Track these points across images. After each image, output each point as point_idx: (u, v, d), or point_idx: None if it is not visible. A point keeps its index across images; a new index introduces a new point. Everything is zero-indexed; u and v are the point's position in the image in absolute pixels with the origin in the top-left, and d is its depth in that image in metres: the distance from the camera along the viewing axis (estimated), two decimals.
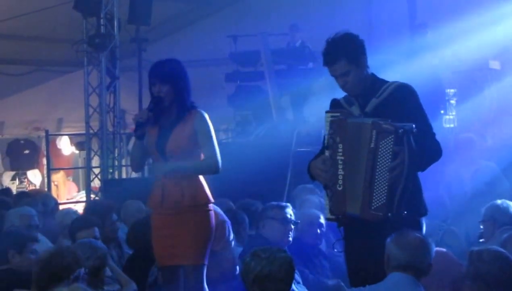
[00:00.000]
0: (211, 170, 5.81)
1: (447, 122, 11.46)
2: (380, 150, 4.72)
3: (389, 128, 4.70)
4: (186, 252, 5.69)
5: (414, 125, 4.79)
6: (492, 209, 6.72)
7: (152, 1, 13.48)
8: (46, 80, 16.39)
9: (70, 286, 4.13)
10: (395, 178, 4.69)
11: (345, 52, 4.96)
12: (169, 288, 5.91)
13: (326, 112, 5.06)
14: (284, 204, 7.20)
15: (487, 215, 6.72)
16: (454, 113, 11.61)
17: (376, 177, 4.74)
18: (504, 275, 4.55)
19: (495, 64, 11.83)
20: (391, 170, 4.67)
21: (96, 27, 12.89)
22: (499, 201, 6.79)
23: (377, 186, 4.74)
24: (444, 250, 6.09)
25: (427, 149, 4.90)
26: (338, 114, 4.97)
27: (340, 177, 4.87)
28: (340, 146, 4.86)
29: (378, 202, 4.73)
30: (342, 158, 4.86)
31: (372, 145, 4.73)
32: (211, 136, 5.75)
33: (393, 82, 5.05)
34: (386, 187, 4.71)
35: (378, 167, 4.73)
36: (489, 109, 11.54)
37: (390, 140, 4.69)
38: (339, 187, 4.88)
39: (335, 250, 5.42)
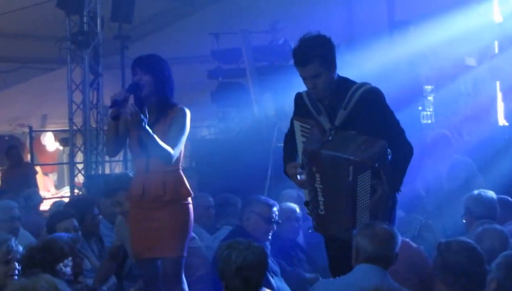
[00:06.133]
0: (164, 157, 5.58)
1: (424, 118, 11.57)
2: (359, 184, 4.76)
3: (366, 163, 4.71)
4: (166, 245, 5.70)
5: (389, 150, 4.81)
6: (467, 201, 6.78)
7: None
8: (30, 78, 16.39)
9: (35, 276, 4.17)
10: (376, 207, 4.79)
11: (319, 54, 4.93)
12: (148, 280, 5.95)
13: (295, 119, 5.10)
14: (272, 202, 7.20)
15: (465, 208, 6.79)
16: (431, 109, 11.70)
17: (358, 208, 4.81)
18: (471, 265, 4.61)
19: (471, 61, 11.95)
20: (372, 203, 4.76)
21: (79, 25, 12.97)
22: (475, 192, 6.82)
23: (359, 214, 4.83)
24: (406, 240, 6.19)
25: (401, 165, 4.99)
26: (308, 127, 4.99)
27: (321, 202, 4.93)
28: (318, 175, 4.89)
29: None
30: (321, 186, 4.90)
31: (350, 178, 4.76)
32: (181, 131, 5.70)
33: (359, 86, 5.02)
34: (368, 214, 4.80)
35: (358, 199, 4.80)
36: (465, 105, 11.68)
37: (367, 175, 4.74)
38: (321, 211, 4.96)
39: (310, 230, 5.47)
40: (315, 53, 4.93)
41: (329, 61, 4.99)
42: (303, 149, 4.97)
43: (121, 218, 6.75)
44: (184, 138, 5.73)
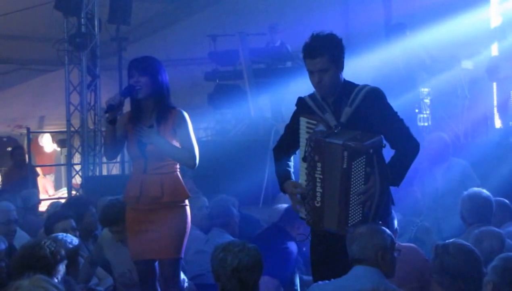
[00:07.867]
0: (188, 160, 5.75)
1: (421, 121, 11.57)
2: (353, 170, 4.78)
3: (360, 149, 4.74)
4: (163, 247, 5.70)
5: (383, 141, 4.88)
6: (461, 202, 6.75)
7: (132, 1, 13.62)
8: (28, 79, 16.46)
9: (32, 277, 4.16)
10: (368, 198, 4.78)
11: (329, 49, 4.97)
12: (145, 282, 5.91)
13: (302, 116, 5.09)
14: None
15: (459, 210, 6.77)
16: (428, 112, 11.71)
17: (351, 197, 4.81)
18: (469, 267, 4.59)
19: (467, 64, 11.98)
20: (364, 193, 4.77)
21: (77, 27, 13.04)
22: (469, 192, 6.79)
23: (352, 205, 4.82)
24: (412, 245, 6.20)
25: (406, 160, 5.01)
26: (315, 122, 5.01)
27: (318, 194, 4.92)
28: (319, 164, 4.89)
29: (354, 219, 4.83)
30: (321, 176, 4.89)
31: (345, 166, 4.78)
32: (189, 134, 5.74)
33: (363, 86, 5.07)
34: (360, 206, 4.80)
35: (352, 187, 4.80)
36: (462, 108, 11.70)
37: (361, 161, 4.75)
38: (317, 203, 4.94)
39: (298, 241, 5.48)
40: (326, 47, 4.98)
41: (338, 59, 5.03)
42: (307, 139, 4.97)
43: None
44: (195, 140, 5.80)
